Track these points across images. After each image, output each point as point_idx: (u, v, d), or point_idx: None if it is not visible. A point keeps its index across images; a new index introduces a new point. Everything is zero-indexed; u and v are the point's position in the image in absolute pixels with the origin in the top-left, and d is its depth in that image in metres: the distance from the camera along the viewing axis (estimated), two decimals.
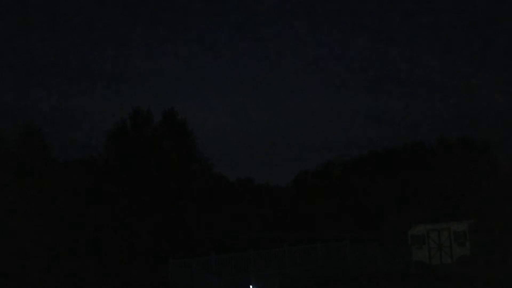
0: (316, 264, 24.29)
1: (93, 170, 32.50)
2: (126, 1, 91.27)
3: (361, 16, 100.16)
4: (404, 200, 41.10)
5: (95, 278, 24.10)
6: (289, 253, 23.95)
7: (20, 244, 25.08)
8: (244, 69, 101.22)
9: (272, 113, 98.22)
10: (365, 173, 49.48)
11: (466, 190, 41.02)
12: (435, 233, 27.14)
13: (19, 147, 30.58)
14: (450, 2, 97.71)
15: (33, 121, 33.14)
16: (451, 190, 41.35)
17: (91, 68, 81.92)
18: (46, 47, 77.67)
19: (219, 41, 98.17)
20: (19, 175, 27.96)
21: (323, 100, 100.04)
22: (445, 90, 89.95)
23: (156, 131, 34.60)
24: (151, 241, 28.30)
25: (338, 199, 47.89)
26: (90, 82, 79.97)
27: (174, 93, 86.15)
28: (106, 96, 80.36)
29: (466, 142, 48.73)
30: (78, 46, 78.99)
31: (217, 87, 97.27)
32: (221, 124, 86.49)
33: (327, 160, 60.24)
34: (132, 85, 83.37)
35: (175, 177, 32.26)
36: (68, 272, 24.23)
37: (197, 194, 32.86)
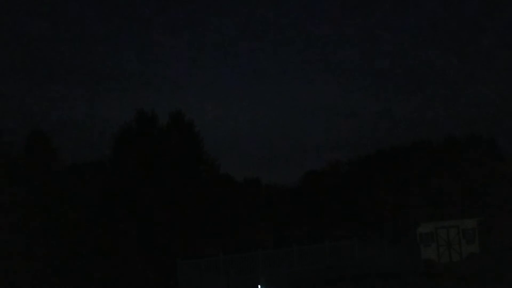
0: (325, 263, 24.24)
1: (101, 173, 32.66)
2: (127, 2, 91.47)
3: (365, 14, 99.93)
4: (413, 198, 40.94)
5: (104, 279, 24.21)
6: (298, 252, 23.92)
7: (27, 247, 25.20)
8: (250, 69, 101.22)
9: (278, 112, 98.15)
10: (373, 171, 49.35)
11: (475, 187, 40.80)
12: (444, 231, 27.00)
13: (26, 150, 30.75)
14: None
15: (39, 124, 33.31)
16: (459, 187, 41.15)
17: (94, 69, 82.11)
18: (50, 50, 78.03)
19: (223, 41, 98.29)
20: (26, 178, 28.11)
21: (329, 99, 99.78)
22: (449, 88, 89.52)
23: (162, 132, 34.70)
24: (159, 242, 28.37)
25: (346, 198, 47.78)
26: (94, 84, 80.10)
27: (179, 94, 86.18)
28: (112, 98, 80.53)
29: (473, 139, 48.47)
30: (81, 48, 79.23)
31: (222, 87, 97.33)
32: (227, 124, 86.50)
33: (334, 158, 60.08)
34: (137, 86, 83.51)
35: (182, 178, 32.34)
36: (76, 275, 24.34)
37: (204, 194, 32.91)
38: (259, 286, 19.23)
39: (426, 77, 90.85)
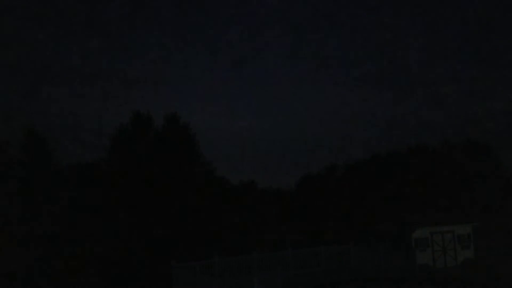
0: (320, 267, 24.18)
1: (96, 174, 32.53)
2: (126, 2, 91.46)
3: (360, 16, 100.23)
4: (408, 202, 40.97)
5: (98, 282, 24.09)
6: (293, 256, 23.87)
7: (23, 249, 25.09)
8: (246, 71, 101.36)
9: (274, 115, 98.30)
10: (369, 175, 49.38)
11: (470, 192, 40.86)
12: (439, 236, 26.99)
13: (22, 151, 30.61)
14: (452, 2, 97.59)
15: (34, 123, 33.11)
16: (455, 193, 41.21)
17: (92, 70, 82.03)
18: (46, 48, 77.87)
19: (220, 43, 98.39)
20: (21, 179, 27.99)
21: (325, 102, 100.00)
22: (447, 91, 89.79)
23: (158, 135, 34.62)
24: (153, 245, 28.27)
25: (341, 202, 47.78)
26: (92, 84, 80.00)
27: (176, 96, 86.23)
28: (108, 99, 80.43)
29: (469, 144, 48.56)
30: (79, 48, 79.18)
31: (220, 90, 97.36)
32: (223, 127, 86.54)
33: (330, 162, 60.13)
34: (134, 87, 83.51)
35: (178, 180, 32.26)
36: (72, 276, 24.23)
37: (200, 197, 32.84)
38: None
39: (423, 80, 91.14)
